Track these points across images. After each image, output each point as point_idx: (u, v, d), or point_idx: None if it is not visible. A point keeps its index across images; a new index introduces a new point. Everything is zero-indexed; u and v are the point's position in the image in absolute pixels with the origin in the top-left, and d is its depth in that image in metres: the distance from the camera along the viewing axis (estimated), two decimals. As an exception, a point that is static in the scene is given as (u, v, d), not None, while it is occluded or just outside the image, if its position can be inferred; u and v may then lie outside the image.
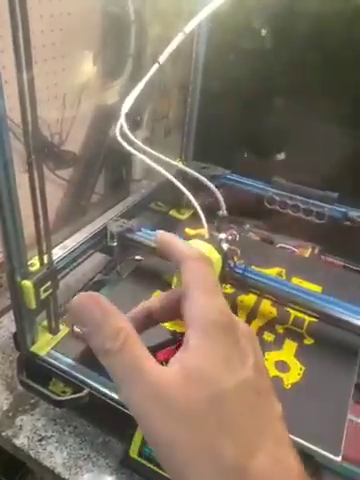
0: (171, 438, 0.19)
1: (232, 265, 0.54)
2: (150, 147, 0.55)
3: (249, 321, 0.57)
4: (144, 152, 0.52)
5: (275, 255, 0.73)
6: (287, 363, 0.51)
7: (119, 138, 0.51)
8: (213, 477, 0.19)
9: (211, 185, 0.54)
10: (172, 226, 0.78)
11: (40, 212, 0.44)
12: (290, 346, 0.54)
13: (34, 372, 0.51)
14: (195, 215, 0.84)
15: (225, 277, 0.54)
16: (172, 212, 0.86)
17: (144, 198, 0.76)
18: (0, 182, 0.38)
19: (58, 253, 0.55)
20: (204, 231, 0.50)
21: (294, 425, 0.43)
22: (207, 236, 0.50)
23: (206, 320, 0.21)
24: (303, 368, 0.51)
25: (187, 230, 0.52)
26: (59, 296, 0.52)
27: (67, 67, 0.73)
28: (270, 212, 0.80)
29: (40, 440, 0.51)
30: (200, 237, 0.50)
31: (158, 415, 0.19)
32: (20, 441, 0.51)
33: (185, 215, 0.84)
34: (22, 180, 0.41)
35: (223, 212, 0.56)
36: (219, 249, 0.50)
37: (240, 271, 0.55)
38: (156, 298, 0.26)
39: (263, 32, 0.74)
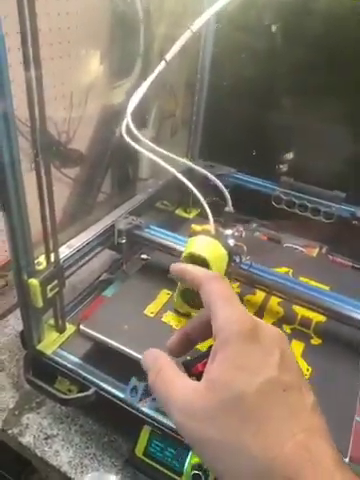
0: (200, 438, 0.22)
1: (238, 261, 0.54)
2: (157, 146, 0.55)
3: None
4: (152, 150, 0.51)
5: (282, 254, 0.72)
6: (294, 364, 0.51)
7: (125, 136, 0.51)
8: (242, 469, 0.21)
9: (216, 181, 0.53)
10: (178, 225, 0.78)
11: (47, 211, 0.44)
12: (297, 346, 0.53)
13: (40, 370, 0.51)
14: (201, 214, 0.85)
15: (231, 273, 0.54)
16: (178, 211, 0.86)
17: (151, 197, 0.76)
18: (7, 181, 0.38)
19: (65, 252, 0.55)
20: (210, 227, 0.50)
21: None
22: (213, 232, 0.50)
23: (227, 332, 0.24)
24: (310, 369, 0.50)
25: (193, 226, 0.52)
26: (66, 295, 0.52)
27: (74, 66, 0.73)
28: (277, 211, 0.79)
29: (46, 438, 0.51)
30: (206, 233, 0.50)
31: (188, 422, 0.23)
32: (26, 439, 0.51)
33: (191, 214, 0.84)
34: (29, 178, 0.41)
35: (229, 208, 0.56)
36: (225, 245, 0.50)
37: (246, 267, 0.55)
38: (191, 321, 0.29)
39: (273, 29, 0.73)
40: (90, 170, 0.84)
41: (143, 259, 0.68)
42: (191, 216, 0.84)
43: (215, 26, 0.73)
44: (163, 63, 0.59)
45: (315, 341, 0.55)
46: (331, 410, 0.46)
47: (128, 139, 0.51)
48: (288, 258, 0.71)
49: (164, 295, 0.60)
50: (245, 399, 0.22)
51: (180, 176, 0.51)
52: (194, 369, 0.26)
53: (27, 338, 0.50)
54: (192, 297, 0.53)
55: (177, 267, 0.30)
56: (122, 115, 0.58)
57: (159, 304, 0.58)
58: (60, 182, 0.78)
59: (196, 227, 0.52)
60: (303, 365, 0.51)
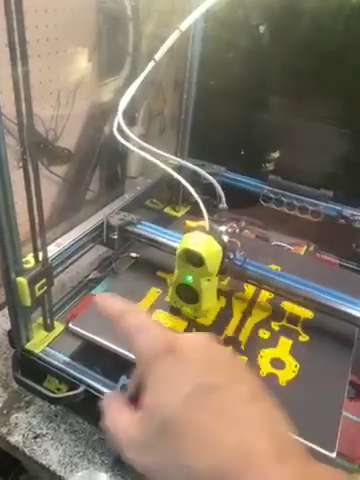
0: (146, 469, 0.22)
1: (232, 257, 0.54)
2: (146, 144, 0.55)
3: (244, 319, 0.57)
4: (142, 148, 0.51)
5: (270, 252, 0.73)
6: (282, 360, 0.52)
7: (117, 135, 0.51)
8: None
9: (211, 178, 0.54)
10: (167, 223, 0.78)
11: (35, 209, 0.44)
12: (285, 343, 0.54)
13: (29, 369, 0.51)
14: (190, 212, 0.85)
15: (225, 269, 0.54)
16: (167, 209, 0.86)
17: (139, 195, 0.76)
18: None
19: (53, 250, 0.54)
20: (205, 223, 0.51)
21: (289, 422, 0.44)
22: (207, 228, 0.51)
23: (143, 360, 0.24)
24: (298, 365, 0.51)
25: (188, 222, 0.53)
26: (54, 293, 0.52)
27: (62, 63, 0.72)
28: (265, 210, 0.80)
29: (35, 437, 0.51)
30: (201, 229, 0.51)
31: (134, 457, 0.22)
32: (15, 439, 0.50)
33: (180, 212, 0.85)
34: (16, 176, 0.41)
35: (223, 205, 0.56)
36: (220, 241, 0.50)
37: (239, 263, 0.56)
38: (131, 380, 0.28)
39: (261, 29, 0.74)
40: (78, 168, 0.84)
41: (132, 257, 0.68)
42: (180, 214, 0.84)
43: (203, 25, 0.73)
44: (152, 63, 0.59)
45: (303, 338, 0.55)
46: (319, 405, 0.47)
47: (120, 138, 0.51)
48: (276, 256, 0.71)
49: (154, 293, 0.60)
50: (173, 418, 0.21)
51: (176, 175, 0.51)
52: (140, 403, 0.25)
53: (15, 337, 0.50)
54: (186, 292, 0.53)
55: (98, 299, 0.29)
56: (110, 113, 0.58)
57: (148, 302, 0.58)
58: (48, 180, 0.77)
59: (191, 223, 0.52)
60: (291, 362, 0.51)
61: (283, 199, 0.79)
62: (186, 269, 0.52)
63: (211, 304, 0.56)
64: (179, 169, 0.64)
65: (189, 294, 0.53)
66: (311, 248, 0.79)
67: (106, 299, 0.29)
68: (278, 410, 0.22)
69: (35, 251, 0.46)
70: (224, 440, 0.20)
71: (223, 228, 0.53)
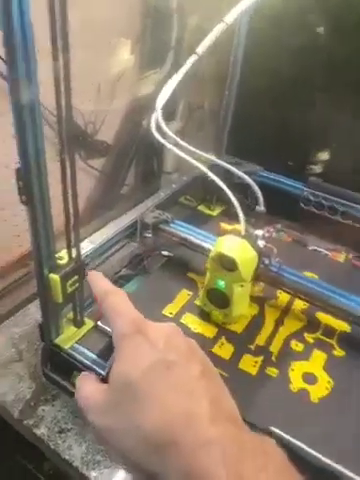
0: (104, 429, 0.26)
1: (267, 263, 0.52)
2: (182, 139, 0.54)
3: (277, 328, 0.55)
4: (178, 145, 0.50)
5: (308, 258, 0.70)
6: (315, 375, 0.49)
7: (154, 132, 0.50)
8: (137, 446, 0.23)
9: (248, 179, 0.52)
10: (201, 222, 0.77)
11: (70, 204, 0.44)
12: (319, 357, 0.52)
13: (57, 364, 0.51)
14: (225, 212, 0.83)
15: (259, 275, 0.52)
16: (201, 207, 0.84)
17: (175, 192, 0.75)
18: (31, 172, 0.37)
19: (87, 246, 0.54)
20: (240, 227, 0.49)
21: (320, 442, 0.42)
22: (243, 232, 0.49)
23: (116, 338, 0.28)
24: (332, 381, 0.49)
25: (223, 225, 0.51)
26: (85, 289, 0.51)
27: (104, 55, 0.72)
28: (304, 213, 0.77)
29: (60, 432, 0.51)
30: (236, 233, 0.49)
31: (96, 420, 0.26)
32: (40, 431, 0.51)
33: (215, 211, 0.83)
34: (51, 169, 0.40)
35: (261, 208, 0.54)
36: (255, 246, 0.48)
37: (275, 269, 0.53)
38: None
39: (318, 30, 0.70)
40: (115, 162, 0.84)
41: (164, 256, 0.67)
42: (215, 213, 0.82)
43: (249, 18, 0.71)
44: (194, 56, 0.57)
45: (338, 352, 0.53)
46: (352, 426, 0.44)
47: (156, 135, 0.50)
48: (313, 262, 0.69)
49: (184, 295, 0.59)
50: (132, 384, 0.25)
51: (213, 175, 0.50)
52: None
53: (45, 331, 0.50)
54: (217, 297, 0.52)
55: (91, 276, 0.35)
56: (149, 107, 0.57)
57: (178, 305, 0.57)
58: (85, 173, 0.77)
59: (226, 226, 0.50)
60: (324, 377, 0.49)
61: (324, 202, 0.75)
62: (219, 273, 0.50)
63: (242, 310, 0.54)
64: (215, 166, 0.62)
65: (220, 299, 0.52)
66: (350, 256, 0.75)
67: (96, 277, 0.35)
68: (223, 388, 0.27)
69: (69, 247, 0.46)
70: (172, 407, 0.24)
71: (259, 232, 0.51)
